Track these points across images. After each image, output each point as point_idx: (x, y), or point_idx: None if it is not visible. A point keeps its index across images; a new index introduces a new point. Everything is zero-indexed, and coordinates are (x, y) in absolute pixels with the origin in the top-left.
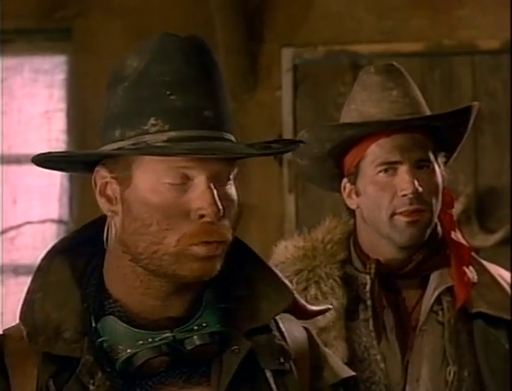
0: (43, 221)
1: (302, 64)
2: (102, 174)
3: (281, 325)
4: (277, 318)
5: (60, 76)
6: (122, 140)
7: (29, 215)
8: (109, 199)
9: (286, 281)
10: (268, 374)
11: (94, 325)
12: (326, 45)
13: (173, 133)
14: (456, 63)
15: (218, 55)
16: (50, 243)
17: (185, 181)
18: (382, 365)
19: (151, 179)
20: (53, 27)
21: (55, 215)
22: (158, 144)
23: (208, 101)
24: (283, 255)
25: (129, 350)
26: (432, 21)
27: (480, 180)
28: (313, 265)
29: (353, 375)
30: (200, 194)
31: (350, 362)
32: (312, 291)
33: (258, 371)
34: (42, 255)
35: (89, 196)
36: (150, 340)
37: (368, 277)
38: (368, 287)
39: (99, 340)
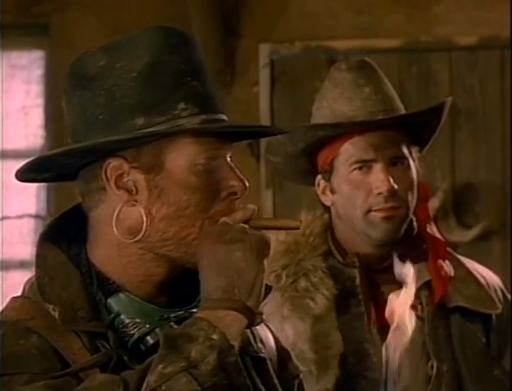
0: (21, 217)
1: (279, 60)
2: (116, 166)
3: None
4: None
5: (37, 72)
6: (149, 127)
7: (7, 210)
8: (128, 190)
9: None
10: (248, 362)
11: (104, 301)
12: (303, 41)
13: (204, 116)
14: (433, 60)
15: None
16: (28, 238)
17: (212, 161)
18: (375, 359)
19: (185, 163)
20: (30, 22)
21: (32, 210)
22: (197, 126)
23: (213, 87)
24: None
25: (148, 325)
26: (409, 17)
27: (457, 176)
28: (298, 259)
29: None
30: (229, 172)
31: (345, 354)
32: (302, 283)
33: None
34: (36, 243)
35: (66, 191)
36: (166, 316)
37: (356, 271)
38: (357, 281)
39: (111, 316)
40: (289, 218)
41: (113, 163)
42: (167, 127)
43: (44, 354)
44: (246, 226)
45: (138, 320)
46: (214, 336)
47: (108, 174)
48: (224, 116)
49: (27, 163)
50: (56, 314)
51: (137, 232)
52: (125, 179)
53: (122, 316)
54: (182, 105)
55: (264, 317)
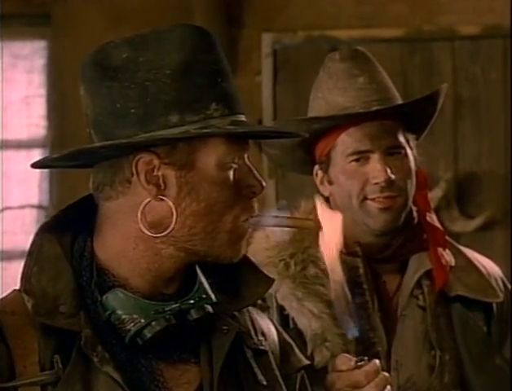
0: (23, 207)
1: (282, 49)
2: (147, 161)
3: (253, 314)
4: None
5: (40, 62)
6: (183, 125)
7: (9, 200)
8: (157, 185)
9: (262, 268)
10: (249, 354)
11: (99, 299)
12: (306, 30)
13: (233, 118)
14: (435, 49)
15: None
16: (30, 228)
17: (237, 161)
18: (379, 348)
19: (215, 161)
20: (32, 12)
21: (34, 200)
22: (228, 127)
23: (236, 88)
24: (266, 242)
25: (142, 320)
26: (412, 6)
27: (460, 165)
28: (304, 247)
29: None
30: (249, 172)
31: (353, 342)
32: (311, 270)
33: (239, 352)
34: (35, 232)
35: (69, 182)
36: (161, 310)
37: (359, 260)
38: (361, 271)
39: (108, 312)
40: (307, 219)
41: (144, 158)
42: (200, 126)
43: None
44: None
45: (134, 316)
46: None
47: (139, 168)
48: (245, 118)
49: (63, 152)
50: (29, 305)
51: (162, 227)
52: (154, 174)
53: (118, 312)
54: (214, 105)
55: (279, 301)
